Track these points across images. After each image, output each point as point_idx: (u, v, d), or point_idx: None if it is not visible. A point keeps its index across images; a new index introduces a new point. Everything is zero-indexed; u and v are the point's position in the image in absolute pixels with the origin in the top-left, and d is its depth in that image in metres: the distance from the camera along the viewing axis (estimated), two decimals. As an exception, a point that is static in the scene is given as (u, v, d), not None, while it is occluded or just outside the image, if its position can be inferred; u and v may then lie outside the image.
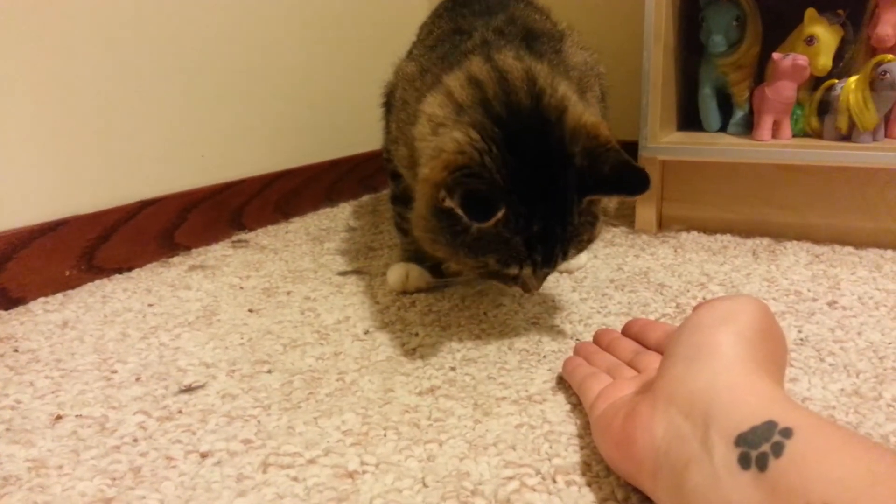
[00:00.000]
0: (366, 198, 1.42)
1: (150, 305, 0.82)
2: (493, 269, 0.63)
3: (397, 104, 0.78)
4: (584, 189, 0.61)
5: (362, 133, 1.41)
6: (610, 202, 0.67)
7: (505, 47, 0.68)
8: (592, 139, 0.61)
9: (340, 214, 1.28)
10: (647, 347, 0.59)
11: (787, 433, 0.33)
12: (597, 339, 0.65)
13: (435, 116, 0.64)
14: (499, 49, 0.67)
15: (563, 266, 0.90)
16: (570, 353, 0.65)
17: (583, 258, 0.93)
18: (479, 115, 0.61)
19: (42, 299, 0.84)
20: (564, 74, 0.70)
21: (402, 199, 0.86)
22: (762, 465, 0.33)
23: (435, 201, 0.60)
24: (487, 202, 0.56)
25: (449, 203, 0.57)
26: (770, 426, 0.34)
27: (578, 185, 0.60)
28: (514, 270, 0.63)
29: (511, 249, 0.61)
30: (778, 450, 0.33)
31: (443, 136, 0.62)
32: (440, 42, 0.77)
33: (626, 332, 0.64)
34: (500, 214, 0.57)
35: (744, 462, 0.34)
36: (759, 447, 0.34)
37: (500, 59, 0.65)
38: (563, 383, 0.60)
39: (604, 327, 0.69)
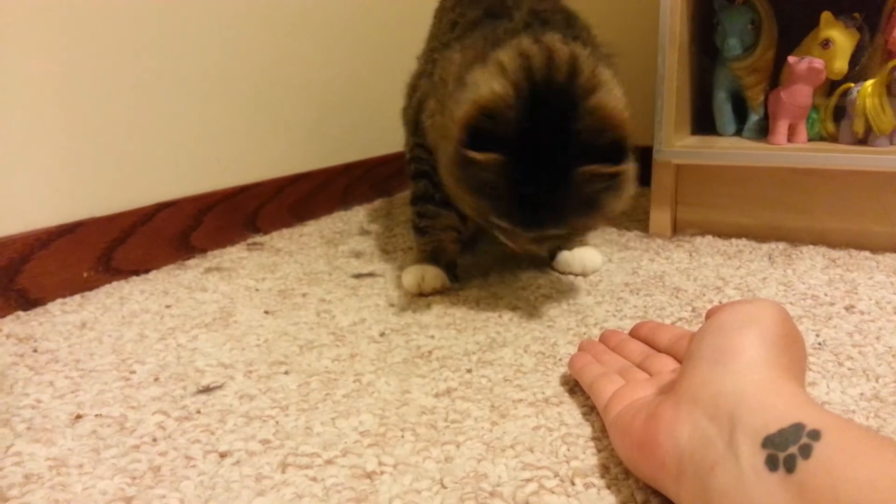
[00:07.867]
0: (379, 202, 1.42)
1: (168, 307, 0.83)
2: (490, 217, 0.70)
3: (436, 82, 0.81)
4: (578, 159, 0.65)
5: (376, 137, 1.42)
6: (617, 203, 0.70)
7: (551, 31, 0.72)
8: (605, 119, 0.66)
9: (354, 218, 1.28)
10: (657, 350, 0.59)
11: (815, 435, 0.33)
12: (604, 340, 0.65)
13: (482, 78, 0.68)
14: (545, 32, 0.72)
15: (579, 268, 0.90)
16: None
17: (598, 260, 0.92)
18: (519, 78, 0.66)
19: (60, 300, 0.85)
20: (606, 60, 0.74)
21: (424, 199, 0.86)
22: (790, 466, 0.33)
23: (459, 142, 0.66)
24: (487, 141, 0.64)
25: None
26: (798, 428, 0.34)
27: (577, 157, 0.65)
28: (504, 223, 0.69)
29: (505, 202, 0.68)
30: (806, 452, 0.33)
31: (482, 84, 0.67)
32: (476, 25, 0.81)
33: (635, 334, 0.63)
34: (494, 157, 0.64)
35: (771, 464, 0.34)
36: (786, 449, 0.33)
37: (548, 40, 0.69)
38: (579, 386, 0.60)
39: (612, 328, 0.69)
